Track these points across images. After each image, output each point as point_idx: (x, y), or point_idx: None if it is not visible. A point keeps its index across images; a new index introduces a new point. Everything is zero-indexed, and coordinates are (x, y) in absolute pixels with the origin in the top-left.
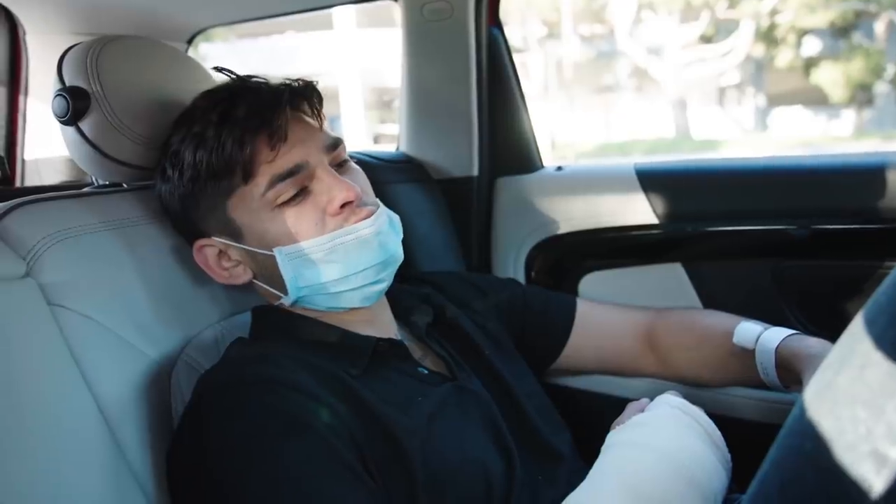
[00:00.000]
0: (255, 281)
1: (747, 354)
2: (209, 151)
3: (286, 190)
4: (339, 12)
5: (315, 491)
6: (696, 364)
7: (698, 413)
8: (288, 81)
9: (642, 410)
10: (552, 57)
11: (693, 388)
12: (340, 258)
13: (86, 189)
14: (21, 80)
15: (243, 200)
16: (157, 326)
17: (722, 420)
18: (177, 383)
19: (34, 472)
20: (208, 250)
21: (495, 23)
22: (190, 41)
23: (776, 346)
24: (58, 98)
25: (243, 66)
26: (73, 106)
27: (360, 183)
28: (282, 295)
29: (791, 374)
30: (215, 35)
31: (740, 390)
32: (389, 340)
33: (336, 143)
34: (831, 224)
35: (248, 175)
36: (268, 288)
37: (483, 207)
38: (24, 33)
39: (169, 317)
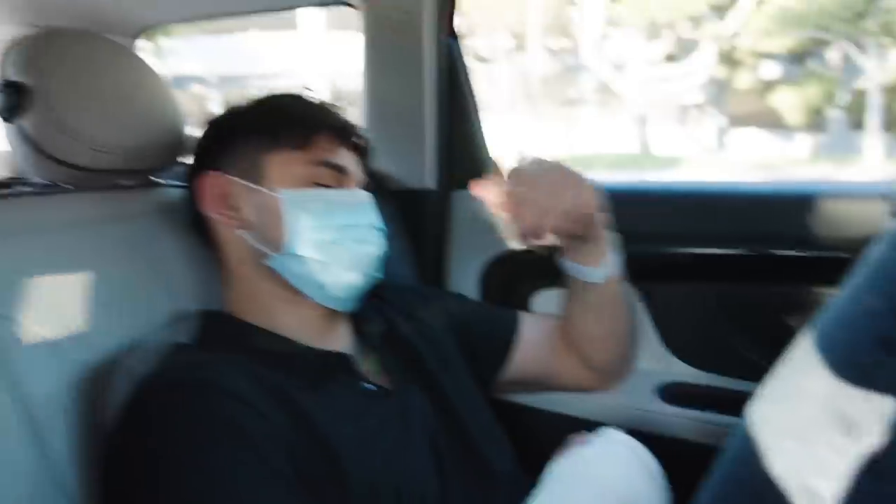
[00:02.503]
0: (241, 233)
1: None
2: (282, 111)
3: (328, 178)
4: (305, 13)
5: (246, 498)
6: (578, 322)
7: (640, 449)
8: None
9: (584, 443)
10: (519, 69)
11: (636, 408)
12: (340, 213)
13: (20, 189)
14: None
15: (285, 163)
16: (94, 331)
17: (663, 441)
18: (113, 391)
19: None
20: (213, 184)
21: (452, 33)
22: (136, 37)
23: None
24: None
25: (205, 63)
26: (14, 101)
27: None
28: (269, 252)
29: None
30: (176, 31)
31: (686, 412)
32: (337, 354)
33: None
34: (777, 250)
35: (305, 144)
36: (255, 244)
37: (438, 221)
38: None
39: (109, 322)
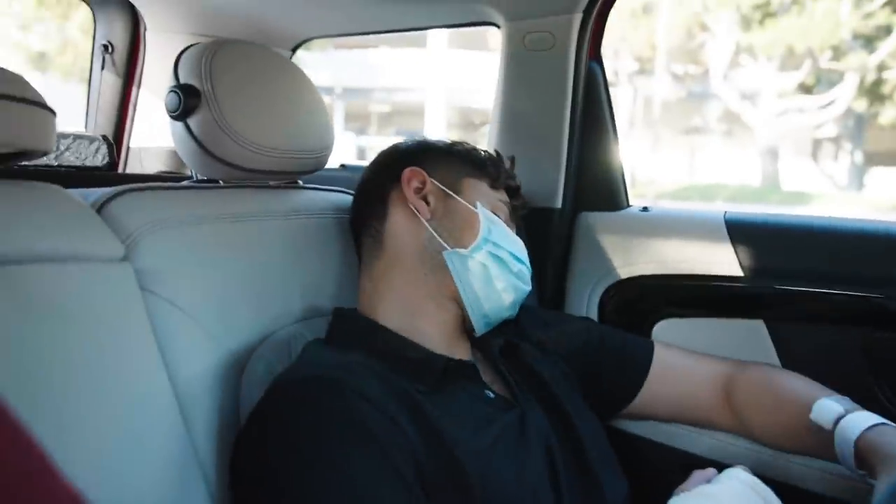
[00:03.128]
0: (426, 224)
1: (825, 432)
2: (489, 155)
3: (505, 212)
4: (434, 33)
5: (371, 503)
6: (771, 428)
7: (769, 493)
8: None
9: (708, 480)
10: (641, 93)
11: (765, 452)
12: (515, 246)
13: (185, 182)
14: (136, 73)
15: (479, 189)
16: (238, 320)
17: (792, 491)
18: (248, 378)
19: (104, 444)
20: (415, 177)
21: (596, 56)
22: (294, 49)
23: (856, 437)
24: (171, 94)
25: (334, 75)
26: (185, 102)
27: None
28: (448, 247)
29: (869, 465)
30: (314, 44)
31: (814, 462)
32: (462, 362)
33: None
34: None
35: (494, 183)
36: (436, 235)
37: (562, 241)
38: (145, 29)
39: (250, 312)
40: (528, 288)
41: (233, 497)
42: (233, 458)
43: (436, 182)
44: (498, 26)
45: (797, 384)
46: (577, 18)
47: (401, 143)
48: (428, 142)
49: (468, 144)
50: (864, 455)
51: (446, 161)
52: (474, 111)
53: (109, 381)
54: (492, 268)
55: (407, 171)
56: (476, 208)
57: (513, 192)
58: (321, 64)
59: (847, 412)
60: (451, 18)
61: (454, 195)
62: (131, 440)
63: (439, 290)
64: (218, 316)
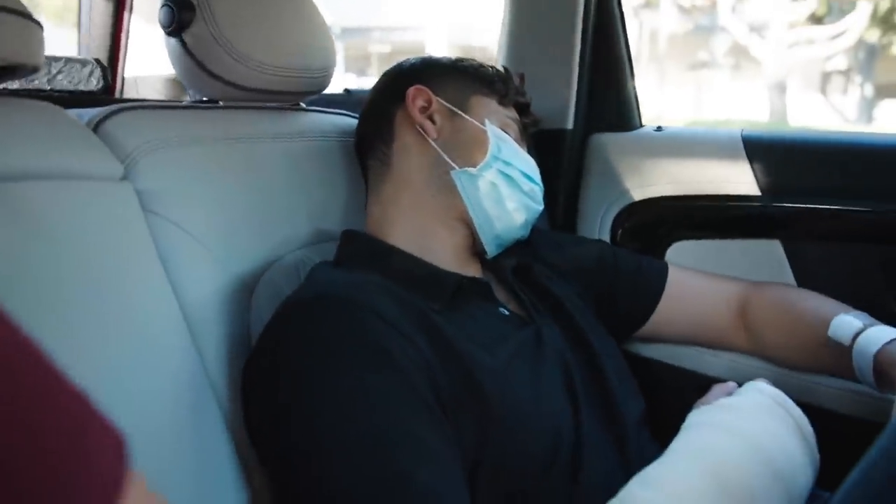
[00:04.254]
0: (433, 143)
1: (843, 349)
2: (496, 70)
3: (515, 129)
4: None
5: (388, 420)
6: (789, 348)
7: (791, 405)
8: None
9: (729, 394)
10: (647, 27)
11: (782, 373)
12: (525, 164)
13: (185, 102)
14: None
15: (487, 106)
16: (244, 244)
17: (810, 410)
18: (256, 302)
19: (116, 368)
20: (421, 95)
21: None
22: None
23: (875, 350)
24: (164, 7)
25: (334, 15)
26: (179, 16)
27: None
28: (459, 166)
29: (889, 380)
30: None
31: (833, 381)
32: (474, 279)
33: None
34: None
35: (503, 100)
36: (443, 154)
37: (573, 163)
38: None
39: (256, 236)
40: (540, 207)
41: (245, 418)
42: (244, 380)
43: (441, 100)
44: None
45: (814, 302)
46: None
47: (404, 62)
48: (433, 59)
49: (475, 61)
50: (884, 369)
51: (452, 78)
52: (477, 49)
53: (114, 301)
54: (502, 186)
55: (411, 90)
56: (484, 126)
57: (523, 109)
58: (318, 4)
59: (866, 327)
60: None
61: (461, 113)
62: (140, 362)
63: (449, 212)
64: (223, 239)
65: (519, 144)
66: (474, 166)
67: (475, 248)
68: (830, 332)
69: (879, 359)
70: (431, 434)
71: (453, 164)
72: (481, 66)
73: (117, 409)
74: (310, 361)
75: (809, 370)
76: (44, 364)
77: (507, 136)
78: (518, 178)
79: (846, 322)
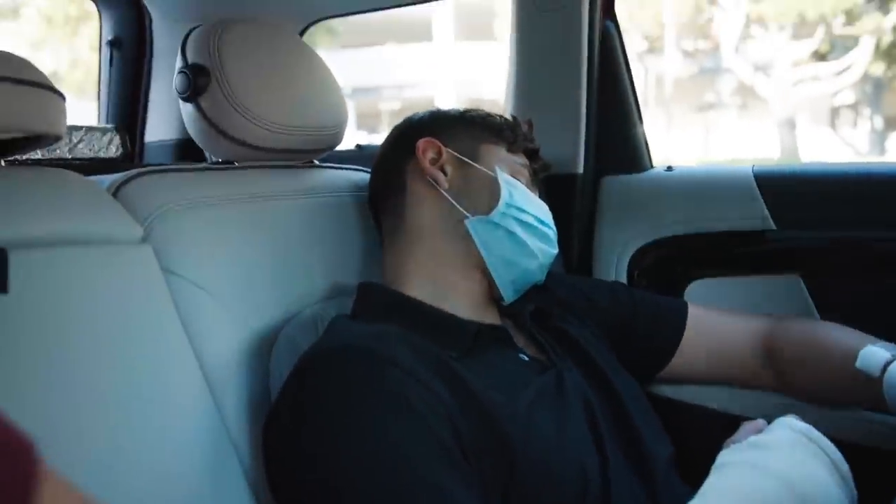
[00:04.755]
0: (445, 194)
1: (873, 381)
2: (505, 118)
3: (525, 175)
4: (439, 25)
5: (412, 472)
6: (816, 382)
7: (824, 441)
8: None
9: (759, 431)
10: (653, 72)
11: (811, 408)
12: (537, 208)
13: (202, 164)
14: (145, 65)
15: (496, 154)
16: (262, 300)
17: (843, 446)
18: (276, 358)
19: (138, 429)
20: (433, 148)
21: (610, 16)
22: (301, 34)
23: None
24: (180, 75)
25: (343, 75)
26: (195, 83)
27: None
28: (472, 214)
29: None
30: (320, 43)
31: (865, 414)
32: (492, 325)
33: None
34: None
35: (512, 147)
36: (456, 205)
37: (586, 207)
38: (151, 21)
39: (274, 292)
40: (555, 251)
41: (267, 475)
42: (265, 436)
43: (451, 151)
44: None
45: (840, 334)
46: None
47: (413, 115)
48: (441, 111)
49: (482, 110)
50: None
51: (461, 129)
52: (486, 102)
53: (137, 362)
54: (516, 232)
55: (421, 143)
56: (495, 173)
57: (532, 154)
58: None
59: (895, 357)
60: None
61: (472, 162)
62: (162, 423)
63: (465, 260)
64: (241, 296)
65: (530, 190)
66: (487, 214)
67: (492, 295)
68: (859, 364)
69: None
70: (455, 483)
71: (466, 213)
72: (489, 115)
73: (140, 468)
74: (329, 414)
75: (839, 403)
76: None
77: (518, 182)
78: (531, 223)
79: (874, 353)
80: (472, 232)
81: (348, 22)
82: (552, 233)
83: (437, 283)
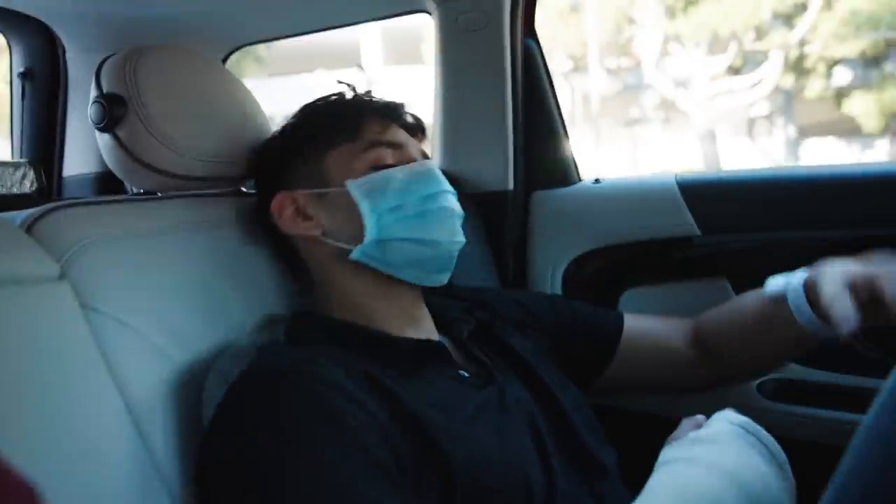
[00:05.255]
0: (323, 239)
1: (783, 307)
2: (327, 112)
3: (388, 158)
4: (367, 50)
5: (348, 489)
6: (744, 342)
7: (762, 433)
8: None
9: (699, 426)
10: (578, 91)
11: (748, 406)
12: (411, 186)
13: (122, 196)
14: (60, 97)
15: (343, 157)
16: (189, 333)
17: (780, 440)
18: (208, 392)
19: (62, 472)
20: (287, 202)
21: (531, 34)
22: (224, 60)
23: (804, 278)
24: (95, 105)
25: (272, 104)
26: (110, 112)
27: None
28: (350, 248)
29: (821, 302)
30: (247, 72)
31: (802, 409)
32: (429, 342)
33: (426, 155)
34: (886, 230)
35: (355, 134)
36: (336, 244)
37: (518, 222)
38: (64, 52)
39: (201, 324)
40: (460, 211)
41: (201, 499)
42: (197, 465)
43: (302, 191)
44: (429, 13)
45: (747, 293)
46: None
47: (250, 167)
48: (266, 147)
49: (318, 105)
50: (814, 292)
51: (298, 156)
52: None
53: (57, 407)
54: (406, 236)
55: (274, 205)
56: (347, 187)
57: (389, 113)
58: (257, 92)
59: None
60: (382, 10)
61: (325, 189)
62: (90, 466)
63: (377, 281)
64: (166, 330)
65: (402, 158)
66: (369, 235)
67: (423, 299)
68: (766, 292)
69: (808, 283)
70: (389, 495)
71: (348, 247)
72: (308, 122)
73: None
74: (266, 435)
75: (771, 358)
76: None
77: (379, 175)
78: (418, 205)
79: (776, 279)
80: (364, 260)
81: (276, 49)
82: (448, 194)
83: (364, 306)
